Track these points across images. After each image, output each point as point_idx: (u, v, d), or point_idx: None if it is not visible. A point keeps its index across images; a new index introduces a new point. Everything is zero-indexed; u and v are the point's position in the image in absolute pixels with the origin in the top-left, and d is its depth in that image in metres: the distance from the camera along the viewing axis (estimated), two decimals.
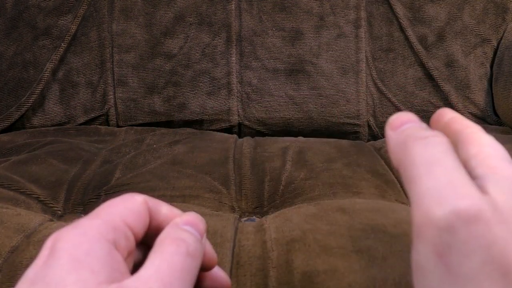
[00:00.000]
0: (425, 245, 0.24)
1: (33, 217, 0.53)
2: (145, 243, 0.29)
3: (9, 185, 0.64)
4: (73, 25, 0.92)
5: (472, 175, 0.25)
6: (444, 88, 0.92)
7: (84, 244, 0.24)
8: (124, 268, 0.25)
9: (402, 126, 0.28)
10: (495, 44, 0.95)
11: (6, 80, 0.92)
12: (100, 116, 0.92)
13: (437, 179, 0.24)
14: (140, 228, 0.28)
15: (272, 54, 0.93)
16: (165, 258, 0.25)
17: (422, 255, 0.24)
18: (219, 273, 0.32)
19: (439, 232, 0.23)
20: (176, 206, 0.30)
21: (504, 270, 0.22)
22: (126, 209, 0.28)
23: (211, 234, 0.47)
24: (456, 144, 0.27)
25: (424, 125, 0.28)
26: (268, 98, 0.92)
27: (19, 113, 0.90)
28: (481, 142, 0.27)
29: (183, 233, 0.27)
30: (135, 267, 0.27)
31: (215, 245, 0.45)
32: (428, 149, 0.26)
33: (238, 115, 0.92)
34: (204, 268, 0.30)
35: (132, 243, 0.27)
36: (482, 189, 0.24)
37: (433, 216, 0.23)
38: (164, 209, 0.30)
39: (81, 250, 0.24)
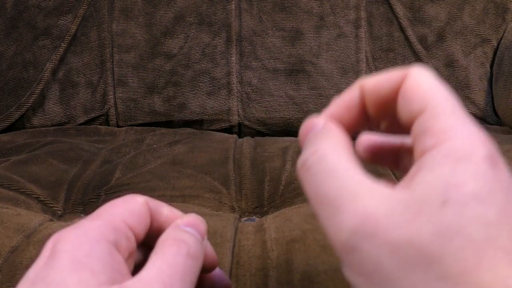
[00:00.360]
0: (347, 270, 0.22)
1: (33, 217, 0.53)
2: (146, 244, 0.29)
3: (9, 185, 0.64)
4: (73, 25, 0.92)
5: (418, 144, 0.22)
6: None
7: (85, 245, 0.24)
8: (125, 269, 0.25)
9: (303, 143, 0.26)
10: (495, 44, 0.95)
11: (6, 80, 0.92)
12: (100, 116, 0.92)
13: (326, 206, 0.23)
14: (141, 229, 0.28)
15: (272, 54, 0.93)
16: (166, 260, 0.25)
17: (352, 280, 0.22)
18: (220, 275, 0.32)
19: (348, 256, 0.22)
20: (176, 206, 0.30)
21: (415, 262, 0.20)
22: (127, 210, 0.28)
23: (211, 234, 0.47)
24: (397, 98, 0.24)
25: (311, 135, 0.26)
26: (268, 98, 0.92)
27: (19, 113, 0.90)
28: (424, 90, 0.25)
29: (184, 234, 0.27)
30: (136, 268, 0.27)
31: (215, 245, 0.45)
32: (310, 176, 0.24)
33: (238, 115, 0.92)
34: (205, 270, 0.30)
35: (133, 244, 0.27)
36: (411, 175, 0.22)
37: (338, 243, 0.22)
38: (165, 210, 0.30)
39: (82, 251, 0.24)
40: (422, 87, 0.25)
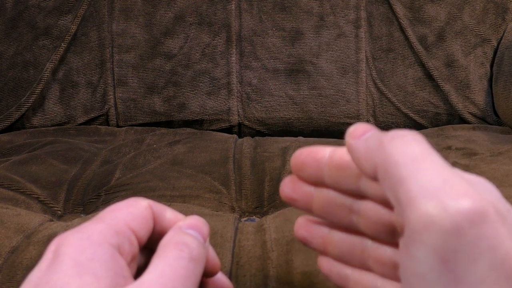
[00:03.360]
0: (425, 251, 0.21)
1: (33, 217, 0.53)
2: (148, 247, 0.29)
3: (9, 185, 0.64)
4: (73, 25, 0.92)
5: None
6: (444, 88, 0.92)
7: (87, 248, 0.24)
8: (128, 273, 0.25)
9: (365, 134, 0.27)
10: (495, 44, 0.94)
11: (6, 80, 0.92)
12: (100, 116, 0.92)
13: (430, 176, 0.22)
14: (144, 232, 0.28)
15: (272, 54, 0.93)
16: (168, 263, 0.25)
17: (422, 262, 0.21)
18: (222, 279, 0.32)
19: (444, 235, 0.21)
20: (176, 206, 0.30)
21: (509, 273, 0.21)
22: (130, 214, 0.28)
23: (211, 234, 0.47)
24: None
25: (394, 131, 0.26)
26: (268, 98, 0.92)
27: (19, 113, 0.90)
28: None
29: (186, 237, 0.27)
30: (139, 272, 0.27)
31: (215, 245, 0.45)
32: (411, 146, 0.24)
33: (238, 115, 0.92)
34: (207, 274, 0.30)
35: (135, 247, 0.27)
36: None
37: (434, 217, 0.21)
38: (168, 214, 0.30)
39: (85, 254, 0.24)
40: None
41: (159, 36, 0.93)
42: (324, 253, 0.32)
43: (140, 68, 0.92)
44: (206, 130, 0.91)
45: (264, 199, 0.65)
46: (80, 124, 0.92)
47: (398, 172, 0.23)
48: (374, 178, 0.25)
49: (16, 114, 0.90)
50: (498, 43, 0.94)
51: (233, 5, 0.93)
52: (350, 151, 0.27)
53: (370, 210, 0.28)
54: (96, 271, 0.23)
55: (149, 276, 0.24)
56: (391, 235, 0.28)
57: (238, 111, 0.92)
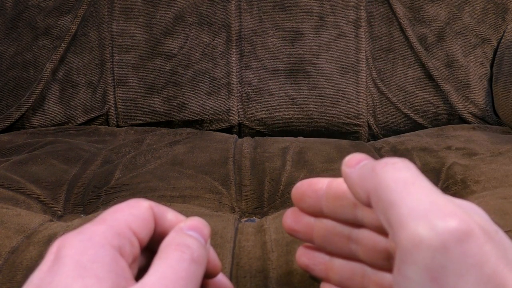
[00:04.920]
0: (416, 269, 0.22)
1: (33, 217, 0.53)
2: (149, 248, 0.29)
3: (9, 185, 0.64)
4: (73, 25, 0.92)
5: None
6: (444, 88, 0.92)
7: (89, 250, 0.24)
8: (129, 274, 0.25)
9: (360, 163, 0.28)
10: (495, 44, 0.94)
11: (6, 80, 0.92)
12: (100, 116, 0.92)
13: (418, 199, 0.24)
14: (145, 234, 0.28)
15: (272, 54, 0.93)
16: (170, 265, 0.25)
17: (414, 281, 0.23)
18: (222, 280, 0.32)
19: (432, 253, 0.22)
20: (176, 207, 0.30)
21: None
22: (132, 215, 0.28)
23: (211, 235, 0.47)
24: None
25: (386, 158, 0.28)
26: (268, 98, 0.92)
27: (19, 113, 0.90)
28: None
29: (188, 238, 0.27)
30: (140, 273, 0.27)
31: (215, 246, 0.45)
32: (401, 172, 0.25)
33: (238, 115, 0.92)
34: (208, 275, 0.30)
35: (137, 249, 0.27)
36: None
37: (423, 236, 0.22)
38: (169, 215, 0.30)
39: (86, 256, 0.24)
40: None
41: (159, 36, 0.93)
42: (326, 279, 0.33)
43: (140, 68, 0.92)
44: (206, 130, 0.91)
45: (264, 200, 0.65)
46: (80, 124, 0.92)
47: (389, 196, 0.24)
48: (368, 204, 0.27)
49: (16, 114, 0.90)
50: (498, 43, 0.94)
51: (233, 5, 0.93)
52: (346, 179, 0.29)
53: (366, 238, 0.30)
54: (97, 273, 0.23)
55: (150, 278, 0.24)
56: (387, 261, 0.29)
57: (238, 111, 0.92)
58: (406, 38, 0.93)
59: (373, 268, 0.31)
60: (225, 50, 0.93)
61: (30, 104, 0.90)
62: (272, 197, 0.65)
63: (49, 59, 0.91)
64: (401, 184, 0.25)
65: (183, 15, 0.93)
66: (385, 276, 0.30)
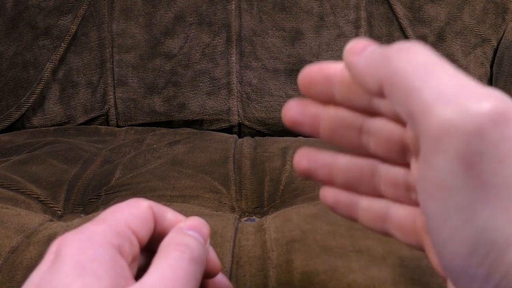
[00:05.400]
0: (447, 158, 0.20)
1: (33, 217, 0.53)
2: (149, 248, 0.29)
3: (9, 185, 0.64)
4: (73, 25, 0.92)
5: None
6: None
7: (89, 249, 0.24)
8: (128, 274, 0.25)
9: (366, 49, 0.26)
10: (495, 44, 0.95)
11: (6, 80, 0.92)
12: (100, 116, 0.93)
13: (445, 82, 0.21)
14: (145, 233, 0.28)
15: (272, 54, 0.93)
16: (169, 264, 0.25)
17: (446, 171, 0.20)
18: (222, 280, 0.32)
19: (467, 139, 0.20)
20: (176, 206, 0.30)
21: None
22: (131, 215, 0.28)
23: (211, 234, 0.47)
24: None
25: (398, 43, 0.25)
26: (268, 98, 0.92)
27: (19, 113, 0.90)
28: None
29: (187, 238, 0.27)
30: (139, 272, 0.27)
31: (215, 245, 0.45)
32: (419, 55, 0.23)
33: (238, 115, 0.92)
34: (207, 275, 0.30)
35: (136, 248, 0.27)
36: None
37: (455, 121, 0.20)
38: (169, 214, 0.30)
39: (86, 255, 0.24)
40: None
41: (159, 36, 0.93)
42: (330, 183, 0.30)
43: (140, 68, 0.92)
44: (206, 130, 0.91)
45: (264, 199, 0.65)
46: (80, 124, 0.92)
47: (409, 83, 0.22)
48: (380, 95, 0.24)
49: (16, 114, 0.90)
50: (498, 43, 0.94)
51: (233, 5, 0.93)
52: (351, 69, 0.26)
53: (382, 127, 0.27)
54: (97, 272, 0.24)
55: (150, 277, 0.24)
56: (403, 155, 0.26)
57: (238, 111, 0.92)
58: (406, 38, 0.93)
59: (386, 163, 0.28)
60: (225, 50, 0.93)
61: (30, 104, 0.90)
62: (272, 196, 0.65)
63: (49, 59, 0.91)
64: (422, 69, 0.22)
65: (183, 15, 0.93)
66: (399, 172, 0.27)
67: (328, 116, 0.29)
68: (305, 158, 0.31)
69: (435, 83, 0.21)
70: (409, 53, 0.23)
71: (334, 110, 0.29)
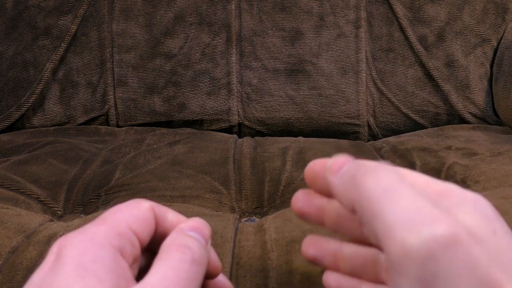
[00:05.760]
0: (408, 279, 0.22)
1: (33, 217, 0.53)
2: (150, 249, 0.29)
3: (9, 185, 0.64)
4: (73, 25, 0.92)
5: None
6: (444, 88, 0.92)
7: (90, 250, 0.24)
8: (130, 275, 0.25)
9: (342, 168, 0.27)
10: (495, 44, 0.95)
11: (6, 80, 0.92)
12: (100, 116, 0.92)
13: (403, 207, 0.23)
14: (146, 234, 0.28)
15: (272, 54, 0.93)
16: (171, 266, 0.25)
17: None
18: (223, 281, 0.31)
19: (421, 262, 0.22)
20: (176, 207, 0.30)
21: None
22: (132, 216, 0.28)
23: (211, 235, 0.47)
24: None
25: (362, 161, 0.27)
26: (268, 98, 0.92)
27: (19, 113, 0.90)
28: (411, 173, 0.27)
29: (188, 239, 0.27)
30: (140, 273, 0.27)
31: (215, 245, 0.45)
32: (382, 179, 0.25)
33: (238, 115, 0.92)
34: (208, 276, 0.30)
35: (137, 249, 0.27)
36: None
37: (412, 246, 0.22)
38: (170, 215, 0.30)
39: (87, 257, 0.24)
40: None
41: (159, 36, 0.93)
42: (336, 269, 0.32)
43: (140, 68, 0.92)
44: (206, 130, 0.91)
45: (264, 199, 0.65)
46: (80, 124, 0.92)
47: (372, 207, 0.24)
48: (354, 213, 0.26)
49: (16, 114, 0.90)
50: (498, 43, 0.94)
51: (233, 5, 0.93)
52: (330, 187, 0.28)
53: None
54: (98, 273, 0.23)
55: (151, 279, 0.24)
56: None
57: (238, 111, 0.92)
58: (406, 38, 0.93)
59: None
60: (225, 50, 0.93)
61: (30, 104, 0.90)
62: (272, 197, 0.65)
63: (49, 59, 0.91)
64: (383, 193, 0.24)
65: (183, 15, 0.93)
66: None
67: (331, 209, 0.31)
68: (312, 246, 0.33)
69: (394, 208, 0.23)
70: (373, 177, 0.25)
71: (337, 204, 0.30)
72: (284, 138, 0.85)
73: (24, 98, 0.90)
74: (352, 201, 0.26)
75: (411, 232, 0.22)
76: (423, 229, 0.22)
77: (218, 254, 0.33)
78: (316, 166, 0.31)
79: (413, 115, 0.92)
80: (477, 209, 0.24)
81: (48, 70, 0.91)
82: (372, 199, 0.24)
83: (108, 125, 0.92)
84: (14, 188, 0.64)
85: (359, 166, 0.26)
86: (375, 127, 0.93)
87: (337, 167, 0.27)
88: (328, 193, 0.31)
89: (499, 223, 0.24)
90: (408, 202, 0.23)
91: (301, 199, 0.32)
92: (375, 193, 0.24)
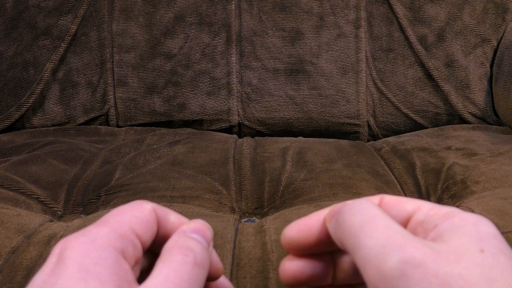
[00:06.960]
0: None
1: (33, 218, 0.53)
2: (152, 251, 0.29)
3: (9, 185, 0.64)
4: (73, 25, 0.92)
5: (422, 227, 0.26)
6: (444, 88, 0.92)
7: (92, 252, 0.24)
8: (132, 277, 0.25)
9: (335, 215, 0.29)
10: (495, 44, 0.95)
11: (6, 80, 0.92)
12: (100, 116, 0.92)
13: (375, 238, 0.25)
14: (148, 236, 0.28)
15: (272, 54, 0.93)
16: (173, 268, 0.25)
17: None
18: (224, 282, 0.31)
19: (397, 282, 0.23)
20: (176, 207, 0.30)
21: None
22: (134, 217, 0.27)
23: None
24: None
25: (348, 201, 0.29)
26: (268, 98, 0.92)
27: (19, 113, 0.90)
28: (408, 200, 0.28)
29: (191, 241, 0.27)
30: (142, 275, 0.27)
31: (215, 246, 0.45)
32: (356, 215, 0.26)
33: (238, 115, 0.92)
34: (210, 277, 0.30)
35: (139, 251, 0.27)
36: (437, 236, 0.25)
37: (384, 269, 0.23)
38: (172, 217, 0.29)
39: (90, 259, 0.24)
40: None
41: (159, 36, 0.93)
42: None
43: (140, 68, 0.92)
44: (206, 130, 0.91)
45: (264, 200, 0.65)
46: (80, 124, 0.92)
47: (352, 241, 0.26)
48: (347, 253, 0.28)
49: (16, 114, 0.90)
50: (498, 43, 0.94)
51: (233, 5, 0.93)
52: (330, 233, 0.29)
53: None
54: (100, 276, 0.23)
55: (153, 281, 0.24)
56: None
57: (238, 111, 0.92)
58: (406, 38, 0.93)
59: None
60: (225, 50, 0.93)
61: (30, 104, 0.90)
62: (272, 197, 0.65)
63: (49, 59, 0.91)
64: (359, 228, 0.26)
65: (183, 15, 0.93)
66: None
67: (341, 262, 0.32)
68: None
69: (368, 240, 0.25)
70: (349, 214, 0.27)
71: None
72: (284, 138, 0.84)
73: (24, 98, 0.90)
74: (339, 242, 0.27)
75: (385, 257, 0.24)
76: (393, 254, 0.24)
77: (218, 254, 0.33)
78: (292, 232, 0.31)
79: (413, 115, 0.92)
80: (473, 230, 0.26)
81: (48, 70, 0.91)
82: (351, 234, 0.26)
83: (108, 125, 0.92)
84: (14, 188, 0.64)
85: (343, 205, 0.28)
86: (375, 127, 0.93)
87: (333, 214, 0.29)
88: (308, 247, 0.31)
89: (490, 243, 0.25)
90: (380, 233, 0.25)
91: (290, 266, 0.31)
92: (353, 229, 0.26)
